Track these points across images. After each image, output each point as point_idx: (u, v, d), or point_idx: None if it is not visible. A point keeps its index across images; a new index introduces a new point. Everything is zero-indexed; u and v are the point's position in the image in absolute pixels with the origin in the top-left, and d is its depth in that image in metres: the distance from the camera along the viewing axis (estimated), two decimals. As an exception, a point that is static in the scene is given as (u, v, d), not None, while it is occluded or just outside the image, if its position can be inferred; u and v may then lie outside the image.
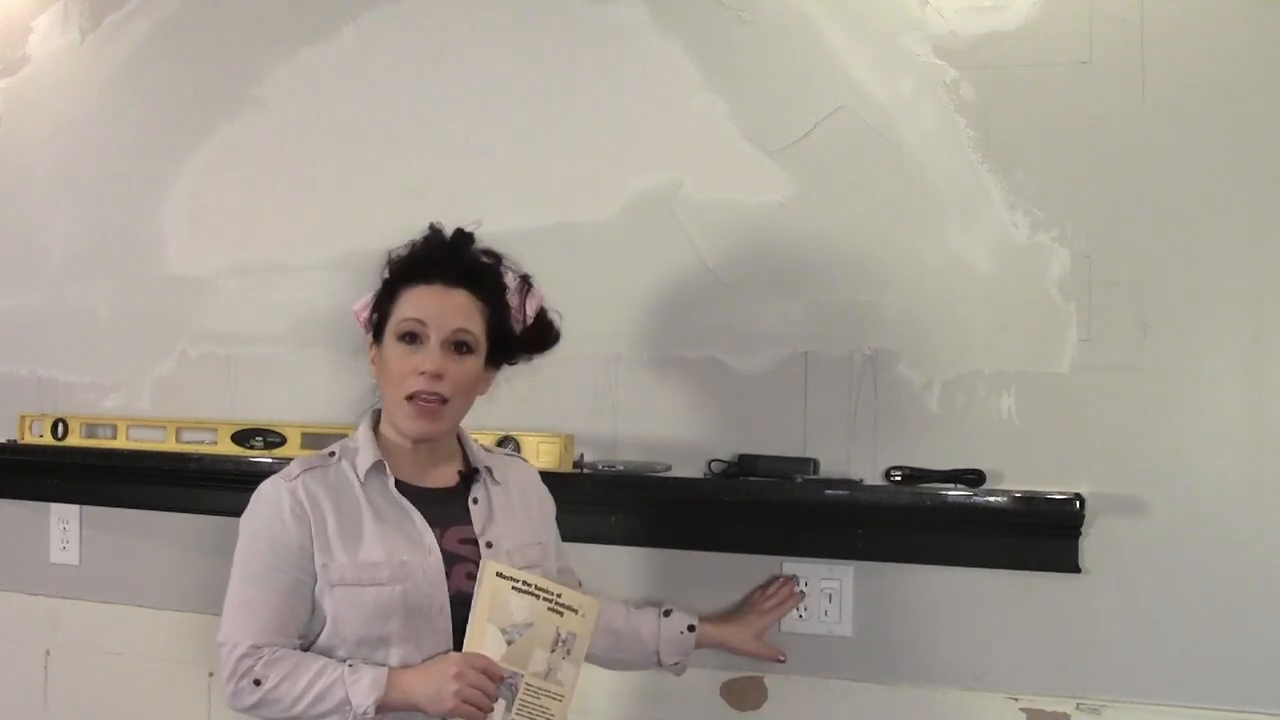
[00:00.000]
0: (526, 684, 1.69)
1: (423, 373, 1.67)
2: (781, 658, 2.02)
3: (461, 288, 1.73)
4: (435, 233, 1.79)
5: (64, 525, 2.66)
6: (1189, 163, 1.93)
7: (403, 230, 1.81)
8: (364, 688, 1.61)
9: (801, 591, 2.06)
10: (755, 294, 2.15)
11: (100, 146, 2.65)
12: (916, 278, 2.06)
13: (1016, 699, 2.00)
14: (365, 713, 1.61)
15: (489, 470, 1.80)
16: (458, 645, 1.69)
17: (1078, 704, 1.97)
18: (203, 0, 2.56)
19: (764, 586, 2.08)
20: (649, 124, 2.22)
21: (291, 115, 2.48)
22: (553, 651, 1.71)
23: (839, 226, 2.11)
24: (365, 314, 1.78)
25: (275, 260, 2.47)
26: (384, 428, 1.77)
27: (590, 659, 1.81)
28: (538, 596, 1.70)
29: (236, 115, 2.52)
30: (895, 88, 2.08)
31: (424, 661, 1.67)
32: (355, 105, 2.43)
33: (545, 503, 1.90)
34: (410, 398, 1.68)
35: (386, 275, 1.78)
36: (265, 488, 1.73)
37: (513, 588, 1.68)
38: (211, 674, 2.50)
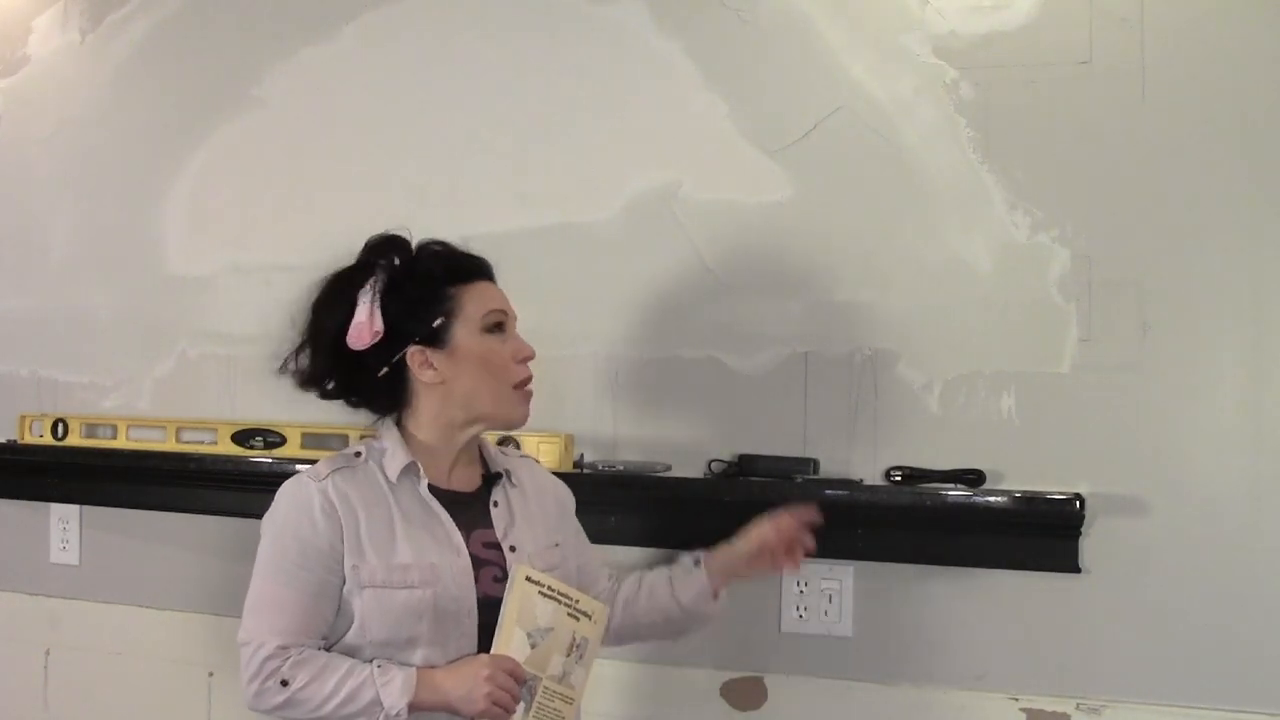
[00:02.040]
0: (544, 687, 1.70)
1: (525, 358, 1.75)
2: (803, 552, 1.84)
3: (495, 284, 1.79)
4: (437, 242, 1.79)
5: (64, 525, 2.66)
6: (1189, 163, 1.94)
7: (403, 230, 1.80)
8: (396, 689, 1.61)
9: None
10: (755, 294, 2.15)
11: (100, 146, 2.65)
12: (916, 278, 2.06)
13: (1016, 699, 2.00)
14: (398, 714, 1.60)
15: (508, 473, 1.81)
16: (482, 647, 1.69)
17: (1078, 704, 1.97)
18: (203, 0, 2.56)
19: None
20: (649, 124, 2.22)
21: (291, 115, 2.48)
22: (568, 655, 1.72)
23: (839, 226, 2.11)
24: (377, 325, 1.69)
25: (275, 260, 2.47)
26: (418, 429, 1.75)
27: (632, 637, 1.93)
28: (559, 601, 1.71)
29: (236, 115, 2.52)
30: (895, 88, 2.08)
31: (452, 662, 1.67)
32: (355, 105, 2.43)
33: (561, 498, 1.90)
34: (518, 385, 1.74)
35: (410, 283, 1.72)
36: (292, 487, 1.71)
37: (539, 592, 1.69)
38: (212, 674, 2.50)
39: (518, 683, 1.65)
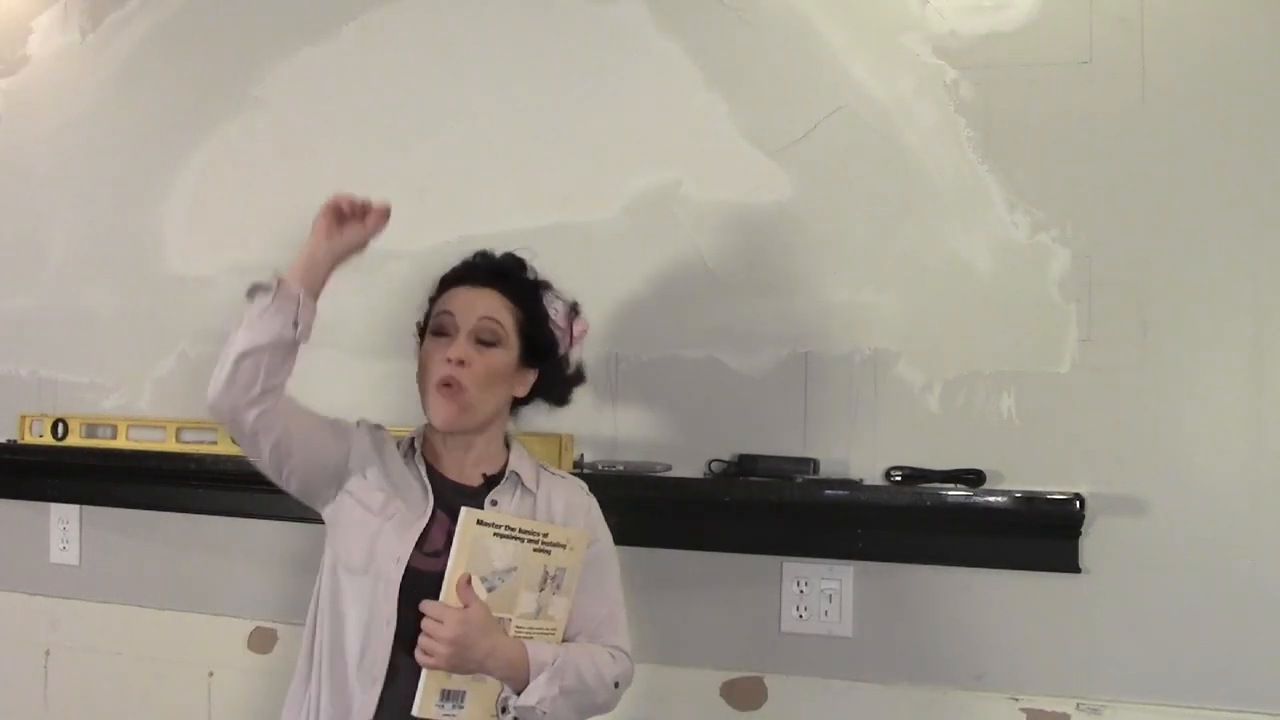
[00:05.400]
0: (516, 626, 1.69)
1: (447, 358, 1.72)
2: None
3: (490, 287, 1.78)
4: (478, 254, 1.85)
5: (64, 525, 2.66)
6: (1189, 163, 1.94)
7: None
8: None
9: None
10: (755, 294, 2.15)
11: (100, 146, 2.65)
12: (916, 278, 2.06)
13: (1016, 699, 2.00)
14: (270, 286, 1.69)
15: (518, 475, 1.80)
16: (427, 591, 1.67)
17: (1078, 704, 1.97)
18: (203, 0, 2.56)
19: None
20: (649, 124, 2.22)
21: (291, 115, 2.48)
22: (541, 590, 1.70)
23: (839, 226, 2.11)
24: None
25: (275, 260, 2.45)
26: (427, 429, 1.82)
27: None
28: (522, 540, 1.67)
29: (236, 115, 2.52)
30: (895, 88, 2.08)
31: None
32: (355, 105, 2.43)
33: (578, 523, 1.82)
34: (437, 385, 1.73)
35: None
36: None
37: (494, 534, 1.65)
38: (212, 674, 2.50)
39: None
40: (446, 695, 1.65)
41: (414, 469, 1.78)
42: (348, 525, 1.74)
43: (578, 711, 1.71)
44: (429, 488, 1.75)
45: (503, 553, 1.66)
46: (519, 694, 1.66)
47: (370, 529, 1.72)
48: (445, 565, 1.64)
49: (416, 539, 1.71)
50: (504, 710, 1.69)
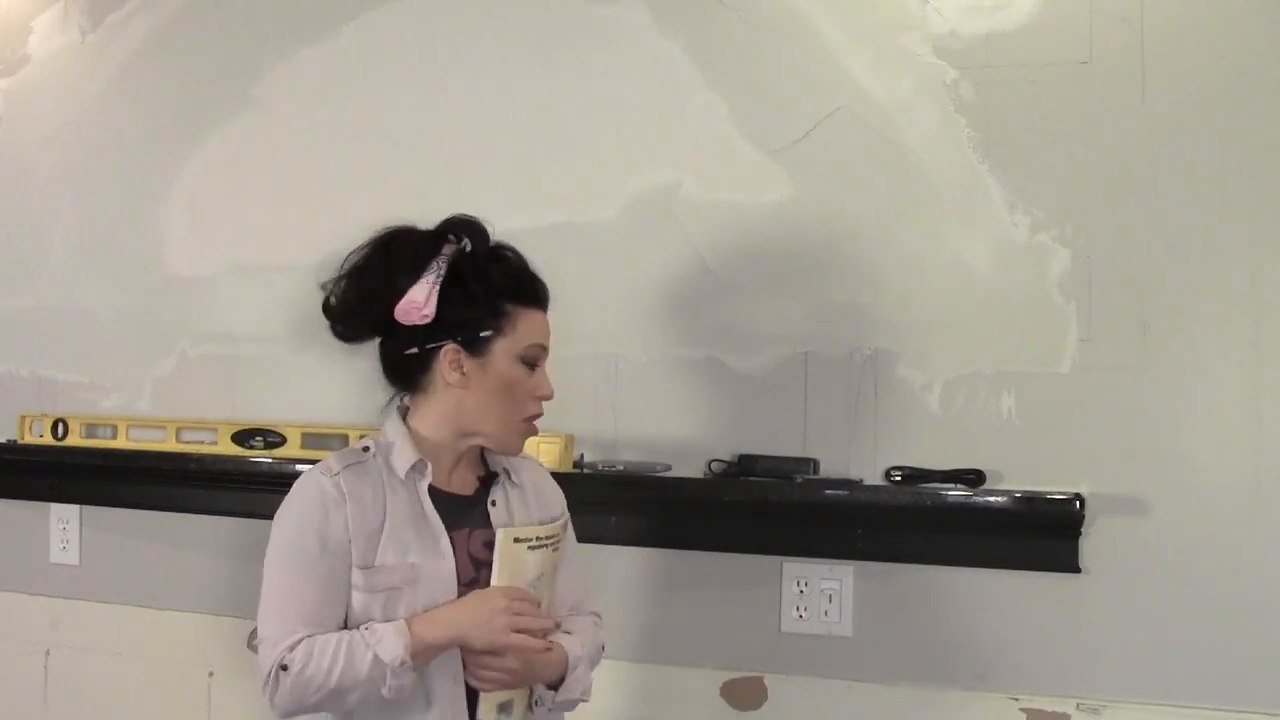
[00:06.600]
0: None
1: (543, 397, 1.74)
2: None
3: (546, 314, 1.76)
4: (511, 249, 1.74)
5: (64, 525, 2.66)
6: (1189, 163, 1.94)
7: (485, 221, 1.77)
8: (390, 639, 1.58)
9: None
10: (755, 294, 2.15)
11: (100, 146, 2.65)
12: (916, 278, 2.06)
13: (1016, 699, 2.00)
14: (403, 664, 1.57)
15: (507, 473, 1.79)
16: None
17: (1078, 704, 1.97)
18: (203, 0, 2.56)
19: None
20: (649, 124, 2.22)
21: (291, 115, 2.48)
22: (550, 586, 1.74)
23: (839, 226, 2.11)
24: (429, 309, 1.65)
25: (275, 260, 2.47)
26: (424, 428, 1.73)
27: None
28: (546, 546, 1.71)
29: (236, 115, 2.52)
30: (895, 88, 2.08)
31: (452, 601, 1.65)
32: (355, 105, 2.43)
33: (557, 497, 1.86)
34: (527, 419, 1.74)
35: (475, 282, 1.68)
36: (306, 482, 1.68)
37: (528, 548, 1.69)
38: (212, 674, 2.51)
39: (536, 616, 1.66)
40: (501, 708, 1.67)
41: (415, 500, 1.69)
42: (370, 613, 1.64)
43: None
44: (437, 519, 1.69)
45: (534, 562, 1.69)
46: (553, 688, 1.69)
47: (396, 603, 1.64)
48: (477, 589, 1.67)
49: (457, 584, 1.67)
50: (538, 703, 1.70)
